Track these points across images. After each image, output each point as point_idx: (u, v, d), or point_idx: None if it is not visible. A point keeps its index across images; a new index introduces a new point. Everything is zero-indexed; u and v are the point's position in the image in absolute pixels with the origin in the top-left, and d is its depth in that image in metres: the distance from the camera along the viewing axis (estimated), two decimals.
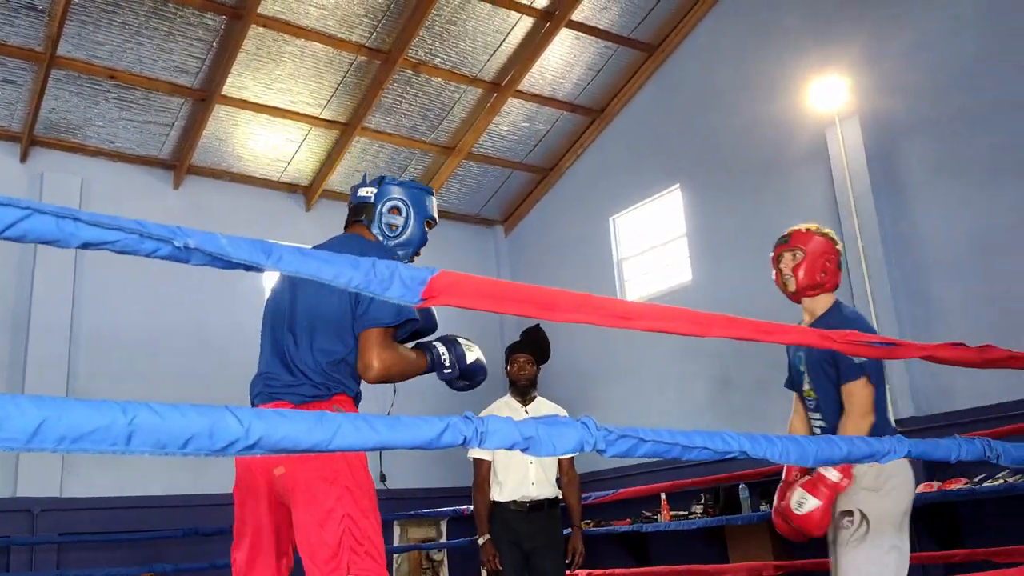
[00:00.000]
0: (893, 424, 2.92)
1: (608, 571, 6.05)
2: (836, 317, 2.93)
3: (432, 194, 2.69)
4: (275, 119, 7.68)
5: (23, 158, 7.13)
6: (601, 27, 7.77)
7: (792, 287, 3.05)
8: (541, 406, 4.49)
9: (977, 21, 5.86)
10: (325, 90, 7.59)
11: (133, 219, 1.01)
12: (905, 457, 1.70)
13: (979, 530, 5.23)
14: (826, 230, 3.11)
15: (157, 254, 1.04)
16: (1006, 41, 5.69)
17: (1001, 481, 4.80)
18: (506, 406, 4.45)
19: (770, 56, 7.15)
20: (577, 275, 8.58)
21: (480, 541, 4.27)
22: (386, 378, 2.36)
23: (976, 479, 4.96)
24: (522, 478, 4.28)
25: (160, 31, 6.70)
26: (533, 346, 4.59)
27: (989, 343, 2.20)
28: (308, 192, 8.51)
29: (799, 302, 3.09)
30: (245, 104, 7.44)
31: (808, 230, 3.07)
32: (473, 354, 2.59)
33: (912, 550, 4.57)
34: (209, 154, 7.83)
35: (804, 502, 2.60)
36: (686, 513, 6.58)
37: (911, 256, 6.00)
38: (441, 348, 2.54)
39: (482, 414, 4.15)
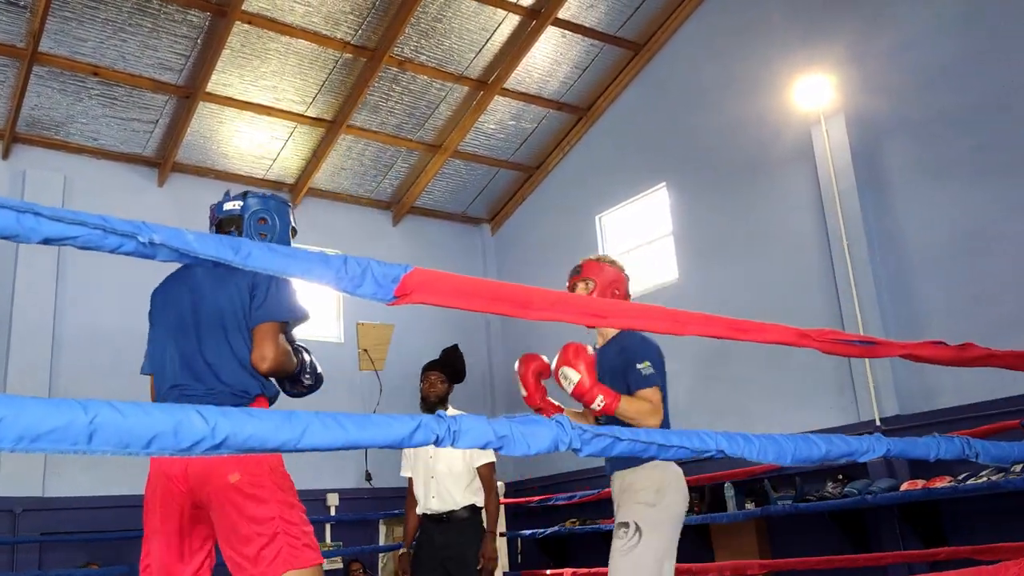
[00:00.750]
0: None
1: (593, 570, 6.05)
2: (628, 337, 3.14)
3: (290, 206, 2.78)
4: (260, 116, 7.64)
5: (5, 155, 7.07)
6: (587, 25, 7.76)
7: None
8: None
9: (961, 20, 5.88)
10: (310, 87, 7.55)
11: (96, 214, 0.99)
12: (883, 456, 1.69)
13: (962, 528, 5.25)
14: (615, 259, 3.31)
15: (121, 250, 1.02)
16: (990, 41, 5.71)
17: (984, 479, 4.82)
18: None
19: (756, 54, 7.16)
20: (563, 274, 8.45)
21: (399, 552, 4.62)
22: (276, 372, 2.43)
23: (960, 477, 4.98)
24: (424, 493, 4.48)
25: (144, 27, 6.65)
26: (447, 365, 4.77)
27: (971, 341, 2.20)
28: (294, 190, 8.46)
29: (591, 327, 3.16)
30: (230, 101, 7.39)
31: (599, 260, 3.27)
32: (318, 366, 2.71)
33: (896, 547, 4.62)
34: (194, 151, 7.78)
35: (569, 375, 2.79)
36: None
37: (895, 254, 6.02)
38: (307, 356, 2.64)
39: None
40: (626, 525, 2.79)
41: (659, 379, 3.03)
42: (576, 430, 1.32)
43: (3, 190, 6.90)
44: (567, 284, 3.38)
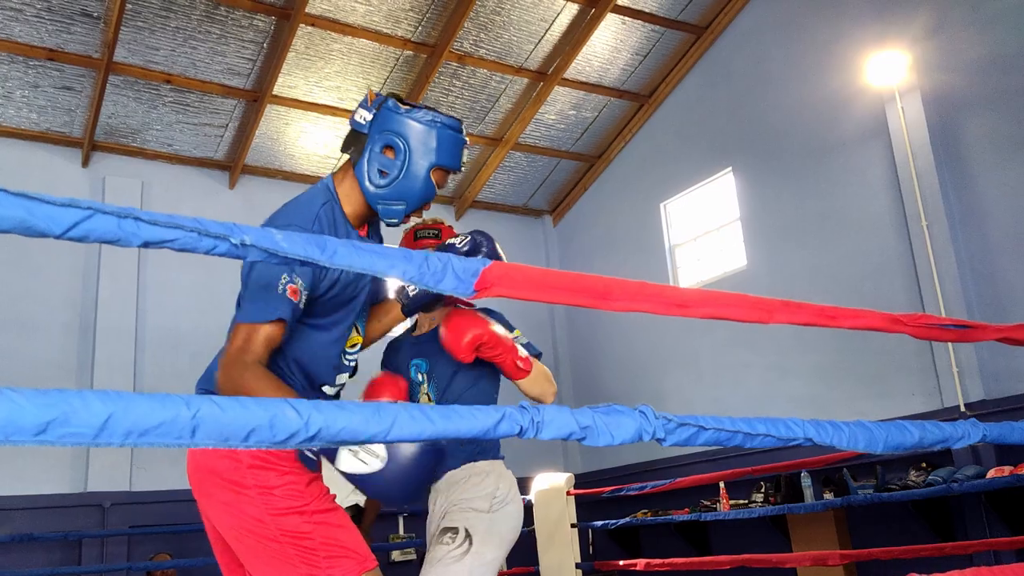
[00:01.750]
0: None
1: (667, 560, 6.00)
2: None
3: (456, 130, 2.09)
4: (324, 116, 7.77)
5: (85, 163, 7.33)
6: (647, 10, 7.67)
7: None
8: None
9: None
10: (372, 86, 7.64)
11: (191, 217, 1.02)
12: (979, 442, 1.64)
13: None
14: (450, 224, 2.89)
15: (215, 251, 1.05)
16: None
17: None
18: None
19: (825, 31, 6.97)
20: (628, 264, 8.51)
21: None
22: (223, 379, 1.96)
23: None
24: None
25: (212, 34, 6.81)
26: None
27: None
28: None
29: None
30: (295, 103, 7.53)
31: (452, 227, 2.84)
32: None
33: (982, 536, 4.50)
34: (262, 153, 7.96)
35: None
36: (746, 502, 6.48)
37: (977, 233, 5.81)
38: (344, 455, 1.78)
39: None
40: (454, 531, 2.44)
41: (536, 348, 2.75)
42: (660, 419, 1.31)
43: (83, 197, 7.16)
44: (412, 233, 2.88)
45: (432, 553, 2.42)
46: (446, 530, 2.43)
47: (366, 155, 2.02)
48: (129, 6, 6.39)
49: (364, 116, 2.03)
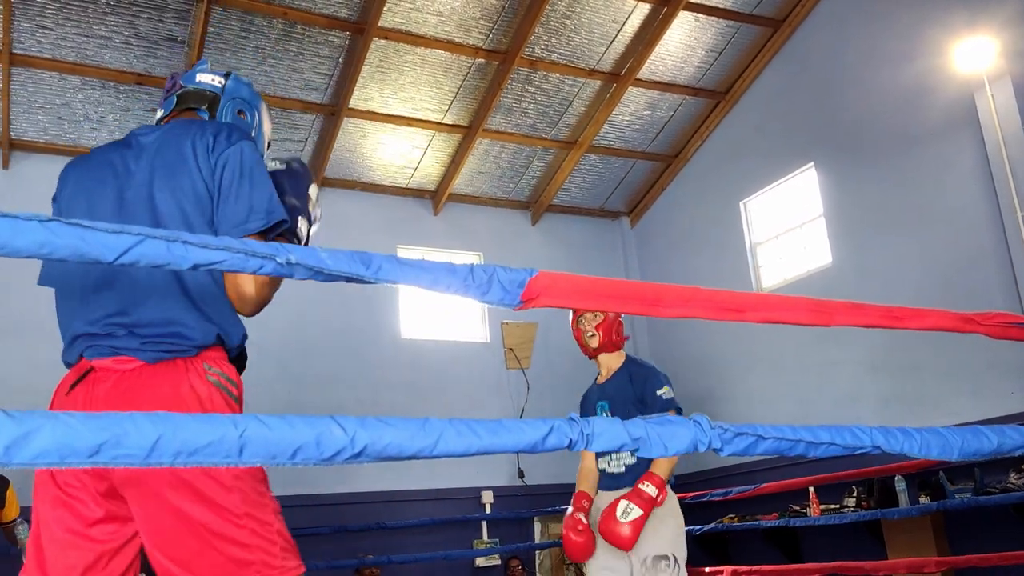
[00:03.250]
0: None
1: (755, 568, 5.86)
2: (635, 363, 3.58)
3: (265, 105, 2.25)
4: (400, 127, 7.89)
5: None
6: (721, 6, 7.54)
7: (595, 344, 3.54)
8: None
9: None
10: (446, 95, 7.73)
11: (238, 240, 1.05)
12: None
13: None
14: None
15: (262, 271, 1.08)
16: None
17: None
18: None
19: (908, 17, 6.71)
20: (708, 264, 8.36)
21: None
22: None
23: None
24: None
25: (290, 52, 7.01)
26: None
27: None
28: (435, 196, 8.69)
29: (594, 358, 3.62)
30: (371, 115, 7.67)
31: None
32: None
33: None
34: (340, 166, 8.14)
35: (630, 512, 3.04)
36: (837, 507, 6.28)
37: None
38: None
39: None
40: (666, 558, 3.15)
41: (678, 403, 3.40)
42: (716, 429, 1.28)
43: None
44: (572, 315, 3.63)
45: (653, 574, 3.15)
46: (659, 557, 3.16)
47: (222, 114, 2.08)
48: (211, 29, 6.63)
49: (214, 79, 2.11)
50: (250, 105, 2.16)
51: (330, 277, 1.11)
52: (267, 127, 2.25)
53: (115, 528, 1.66)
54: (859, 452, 1.35)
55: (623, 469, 3.41)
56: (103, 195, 1.82)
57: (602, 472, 3.50)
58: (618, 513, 3.05)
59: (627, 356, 3.62)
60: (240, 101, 2.13)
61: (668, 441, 1.25)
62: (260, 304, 1.81)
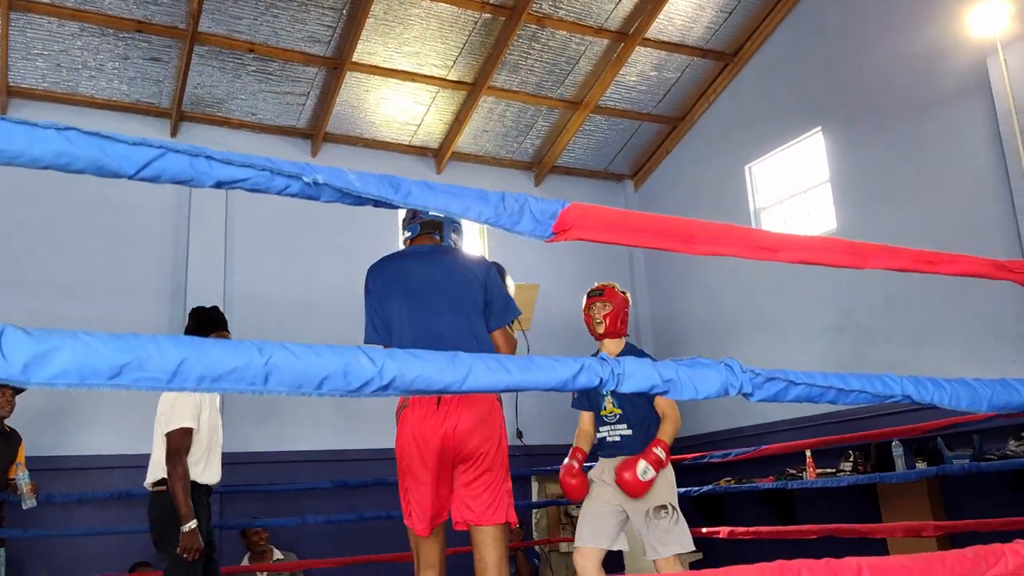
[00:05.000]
0: None
1: (751, 528, 5.90)
2: (636, 350, 4.19)
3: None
4: (404, 83, 7.78)
5: (173, 133, 7.53)
6: None
7: (601, 330, 4.14)
8: None
9: None
10: (451, 51, 7.60)
11: (263, 157, 1.00)
12: None
13: None
14: (624, 291, 4.23)
15: (288, 191, 1.03)
16: None
17: None
18: None
19: None
20: None
21: (190, 527, 3.59)
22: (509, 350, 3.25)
23: None
24: (218, 461, 3.95)
25: (293, 2, 6.87)
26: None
27: None
28: (438, 155, 8.60)
29: (600, 340, 4.19)
30: (375, 70, 7.56)
31: (614, 288, 4.18)
32: None
33: None
34: (343, 121, 8.03)
35: (647, 472, 3.72)
36: (834, 471, 6.31)
37: None
38: None
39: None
40: (664, 508, 3.77)
41: None
42: (747, 373, 1.25)
43: None
44: (585, 302, 4.22)
45: (655, 523, 3.78)
46: (659, 508, 3.78)
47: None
48: None
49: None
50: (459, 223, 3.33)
51: (358, 200, 1.06)
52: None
53: None
54: (889, 399, 1.32)
55: (619, 439, 4.06)
56: (415, 281, 3.15)
57: (602, 440, 4.17)
58: (639, 472, 3.71)
59: (627, 343, 4.22)
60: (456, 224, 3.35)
61: (699, 384, 1.22)
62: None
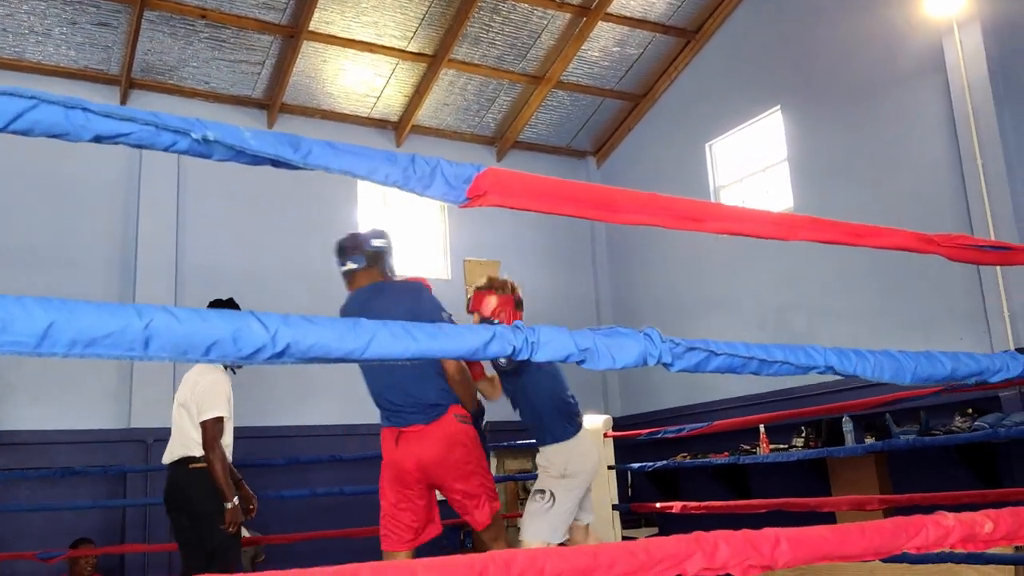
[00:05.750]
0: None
1: (703, 503, 5.95)
2: None
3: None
4: (362, 53, 7.64)
5: (123, 100, 7.33)
6: None
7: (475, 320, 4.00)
8: None
9: None
10: (411, 22, 7.48)
11: (148, 111, 0.95)
12: (1020, 376, 1.52)
13: None
14: (504, 284, 3.86)
15: (175, 148, 0.97)
16: None
17: None
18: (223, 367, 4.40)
19: None
20: None
21: (233, 504, 3.95)
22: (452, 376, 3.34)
23: None
24: (231, 441, 4.20)
25: None
26: None
27: None
28: (397, 128, 8.49)
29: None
30: (332, 39, 7.41)
31: (484, 291, 3.83)
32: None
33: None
34: (300, 92, 7.88)
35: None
36: (787, 446, 6.38)
37: None
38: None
39: (214, 376, 4.16)
40: (543, 493, 3.61)
41: None
42: (667, 343, 1.22)
43: None
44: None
45: (529, 504, 3.63)
46: (538, 491, 3.61)
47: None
48: None
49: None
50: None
51: (254, 159, 1.01)
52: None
53: None
54: (812, 370, 1.31)
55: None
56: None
57: None
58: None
59: None
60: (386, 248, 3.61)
61: (616, 353, 1.19)
62: (460, 384, 3.41)
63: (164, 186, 7.27)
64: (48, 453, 6.35)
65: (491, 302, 3.77)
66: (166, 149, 0.97)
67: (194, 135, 0.96)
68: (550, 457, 3.68)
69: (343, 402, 7.43)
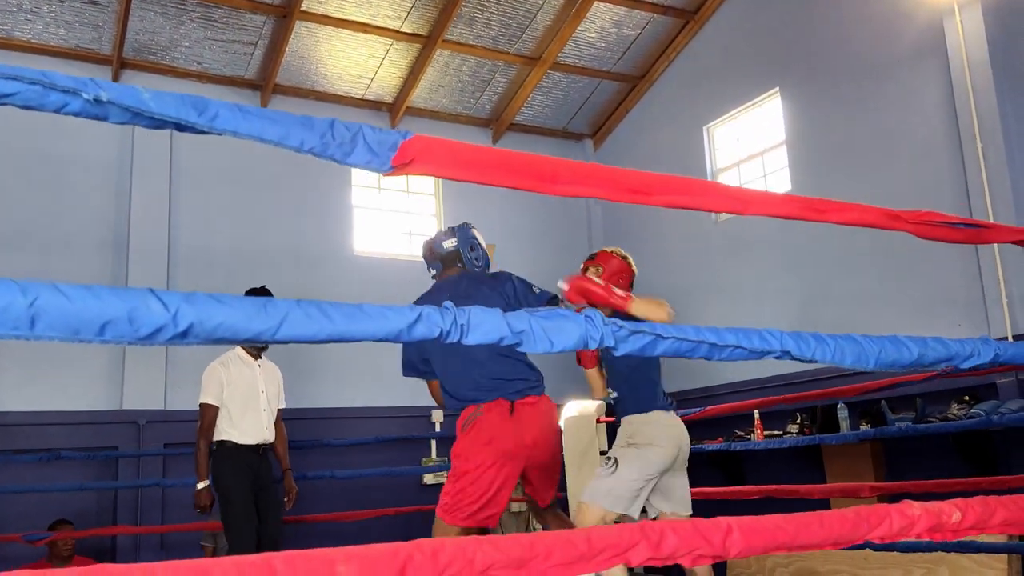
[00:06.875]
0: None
1: (698, 489, 5.90)
2: (633, 320, 3.91)
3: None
4: (356, 34, 7.55)
5: (114, 80, 7.26)
6: None
7: None
8: (268, 364, 4.86)
9: None
10: (405, 1, 7.38)
11: (37, 70, 0.88)
12: (991, 363, 1.46)
13: None
14: (624, 254, 3.94)
15: (67, 109, 0.91)
16: None
17: None
18: (237, 358, 4.74)
19: None
20: None
21: (202, 486, 4.46)
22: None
23: None
24: (258, 424, 4.62)
25: None
26: None
27: None
28: (392, 110, 8.40)
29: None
30: (326, 19, 7.32)
31: (612, 252, 3.92)
32: None
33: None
34: (293, 73, 7.80)
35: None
36: (781, 432, 6.32)
37: None
38: None
39: (211, 365, 4.37)
40: (608, 457, 3.64)
41: None
42: (610, 326, 1.16)
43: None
44: (581, 266, 3.92)
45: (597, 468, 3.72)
46: (604, 454, 3.60)
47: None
48: None
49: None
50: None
51: (153, 122, 0.95)
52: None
53: None
54: (767, 355, 1.25)
55: (612, 402, 3.97)
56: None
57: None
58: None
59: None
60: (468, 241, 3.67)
61: (555, 336, 1.13)
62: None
63: (157, 167, 7.21)
64: (39, 434, 6.33)
65: (615, 263, 3.84)
66: (58, 111, 0.90)
67: (85, 96, 0.90)
68: (624, 426, 3.75)
69: (333, 385, 7.40)
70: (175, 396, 6.91)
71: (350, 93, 8.17)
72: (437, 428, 7.87)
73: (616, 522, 3.53)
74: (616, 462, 3.58)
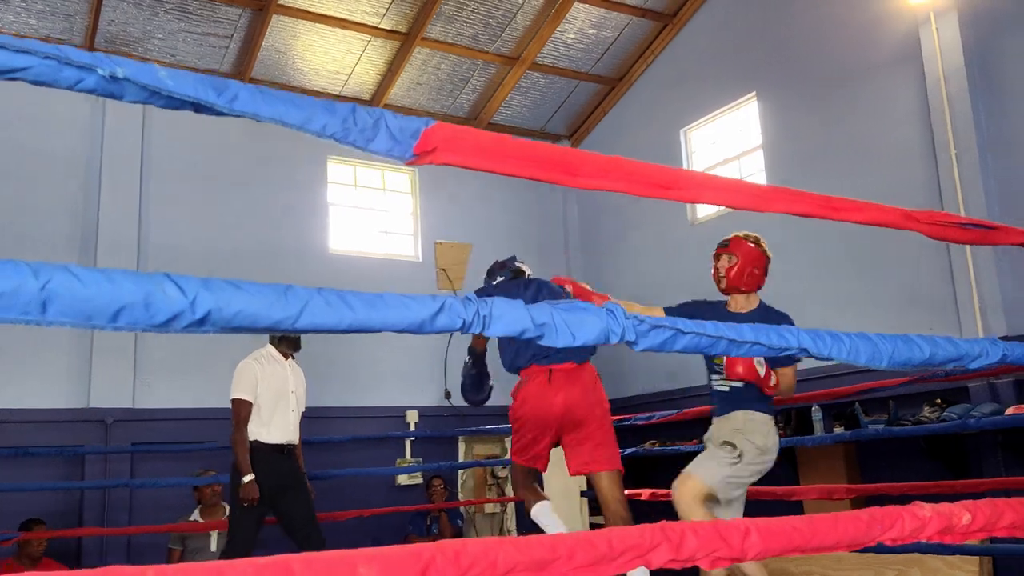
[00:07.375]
0: None
1: (670, 491, 5.91)
2: (772, 314, 3.75)
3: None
4: (333, 29, 7.47)
5: None
6: None
7: (723, 285, 3.73)
8: (295, 365, 4.85)
9: None
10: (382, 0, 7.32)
11: (51, 44, 0.84)
12: (999, 363, 1.45)
13: None
14: (757, 237, 3.74)
15: (81, 86, 0.87)
16: None
17: None
18: (270, 356, 4.71)
19: None
20: None
21: (248, 479, 4.44)
22: None
23: None
24: (286, 423, 4.62)
25: None
26: None
27: None
28: (369, 106, 8.32)
29: (727, 295, 3.80)
30: (303, 14, 7.24)
31: (745, 238, 3.70)
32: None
33: (997, 476, 4.57)
34: (269, 67, 7.70)
35: (762, 365, 3.35)
36: None
37: (1010, 164, 5.51)
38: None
39: (244, 361, 4.31)
40: (733, 447, 3.45)
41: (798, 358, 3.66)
42: (631, 320, 1.13)
43: (85, 109, 6.97)
44: (714, 253, 3.77)
45: (715, 449, 3.50)
46: (726, 442, 3.48)
47: None
48: None
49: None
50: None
51: (171, 102, 0.91)
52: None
53: None
54: (785, 353, 1.23)
55: (728, 389, 3.66)
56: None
57: (712, 391, 3.76)
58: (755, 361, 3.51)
59: (761, 301, 3.84)
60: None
61: (576, 329, 1.10)
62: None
63: (127, 162, 7.08)
64: (2, 432, 6.17)
65: (751, 251, 3.69)
66: (72, 87, 0.86)
67: (101, 71, 0.86)
68: (743, 419, 3.53)
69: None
70: (144, 394, 6.79)
71: (327, 89, 8.09)
72: (411, 428, 7.81)
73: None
74: (741, 455, 3.45)
